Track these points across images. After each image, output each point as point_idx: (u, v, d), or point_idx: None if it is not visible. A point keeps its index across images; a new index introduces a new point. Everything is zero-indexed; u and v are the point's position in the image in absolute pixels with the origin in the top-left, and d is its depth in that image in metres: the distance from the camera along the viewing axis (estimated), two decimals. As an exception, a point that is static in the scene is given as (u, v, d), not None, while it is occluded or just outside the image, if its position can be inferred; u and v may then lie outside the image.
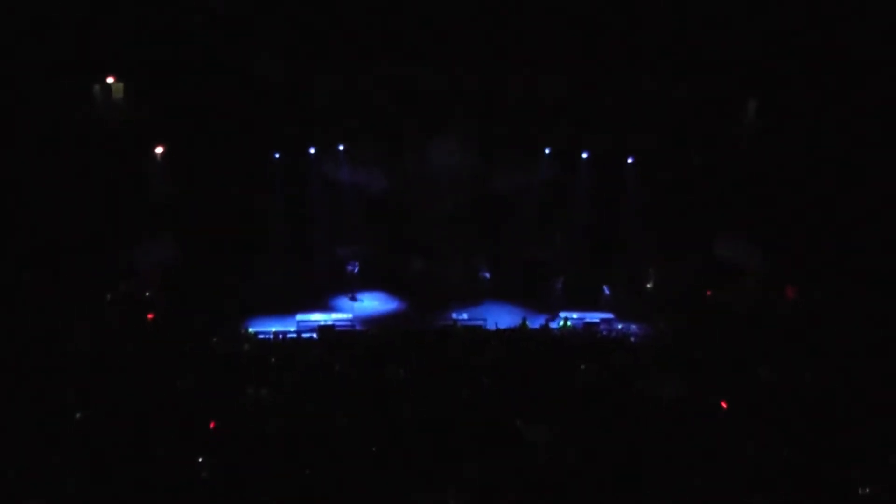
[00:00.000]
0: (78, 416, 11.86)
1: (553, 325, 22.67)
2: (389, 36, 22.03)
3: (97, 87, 20.42)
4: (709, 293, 24.49)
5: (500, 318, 23.07)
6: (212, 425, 11.92)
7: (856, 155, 20.01)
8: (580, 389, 14.10)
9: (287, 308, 23.60)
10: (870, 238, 19.56)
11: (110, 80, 20.57)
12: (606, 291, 25.59)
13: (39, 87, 18.11)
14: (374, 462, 10.46)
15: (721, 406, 13.10)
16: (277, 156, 26.20)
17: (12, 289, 17.12)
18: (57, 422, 11.58)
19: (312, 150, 26.59)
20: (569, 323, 22.95)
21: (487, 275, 27.13)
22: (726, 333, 19.44)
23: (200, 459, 10.39)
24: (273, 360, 16.30)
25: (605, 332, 22.56)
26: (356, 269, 26.22)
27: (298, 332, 21.56)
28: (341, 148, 27.01)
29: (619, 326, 23.25)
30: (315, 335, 21.04)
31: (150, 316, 20.76)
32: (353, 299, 26.03)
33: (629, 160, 26.68)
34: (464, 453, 10.54)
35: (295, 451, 10.79)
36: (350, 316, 23.91)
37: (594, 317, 23.81)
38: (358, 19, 21.74)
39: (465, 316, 23.65)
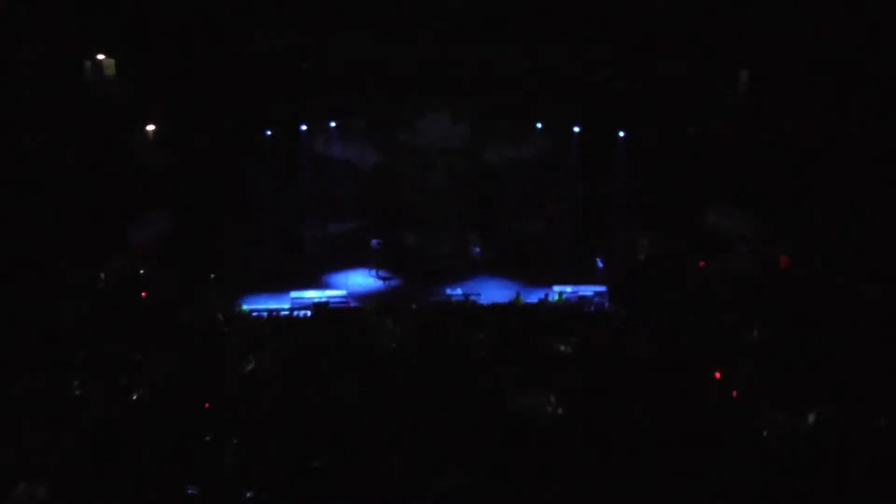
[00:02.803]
0: (77, 392, 11.89)
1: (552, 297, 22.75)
2: (381, 9, 21.87)
3: (88, 65, 20.30)
4: (702, 264, 24.53)
5: (494, 292, 23.16)
6: (206, 406, 11.94)
7: (850, 124, 20.01)
8: (571, 359, 14.14)
9: (281, 285, 23.64)
10: (865, 206, 19.59)
11: (101, 57, 20.45)
12: (600, 264, 25.62)
13: (31, 63, 18.00)
14: (369, 440, 10.46)
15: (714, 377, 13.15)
16: (269, 133, 26.14)
17: (5, 266, 17.08)
18: (53, 400, 11.59)
19: (304, 127, 26.56)
20: (563, 296, 22.99)
21: (478, 249, 27.26)
22: (720, 302, 19.53)
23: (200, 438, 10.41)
24: (267, 333, 16.34)
25: (598, 305, 22.66)
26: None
27: (292, 310, 21.61)
28: (333, 125, 26.98)
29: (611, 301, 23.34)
30: (309, 312, 21.10)
31: (143, 294, 20.76)
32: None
33: (620, 133, 26.67)
34: (459, 431, 10.54)
35: (288, 428, 10.80)
36: (344, 292, 23.94)
37: (587, 290, 23.85)
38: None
39: (458, 291, 23.68)
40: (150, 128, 22.56)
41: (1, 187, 17.91)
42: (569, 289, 23.58)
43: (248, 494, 8.90)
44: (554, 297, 22.81)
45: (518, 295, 22.10)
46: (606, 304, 22.92)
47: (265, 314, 20.64)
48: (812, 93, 20.68)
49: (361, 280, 26.00)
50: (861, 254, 19.30)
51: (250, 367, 13.56)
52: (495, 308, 20.44)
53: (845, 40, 19.42)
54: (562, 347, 14.67)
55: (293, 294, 22.98)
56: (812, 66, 20.43)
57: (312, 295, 23.07)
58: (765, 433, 10.54)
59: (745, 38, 21.81)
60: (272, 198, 26.48)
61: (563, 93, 25.02)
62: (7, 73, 17.82)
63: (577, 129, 26.90)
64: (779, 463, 9.87)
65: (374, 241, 26.30)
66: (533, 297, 22.39)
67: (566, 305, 22.24)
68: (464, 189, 27.84)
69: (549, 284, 23.79)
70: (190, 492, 8.83)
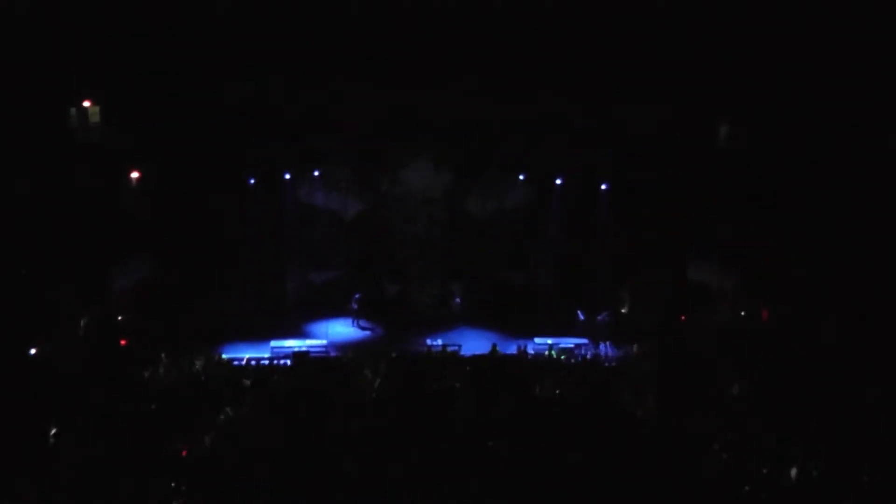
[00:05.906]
0: (52, 440, 11.74)
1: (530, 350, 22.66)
2: (364, 59, 22.04)
3: (73, 111, 20.33)
4: (683, 318, 24.61)
5: (475, 343, 23.09)
6: (183, 453, 11.82)
7: (827, 176, 20.24)
8: (549, 406, 14.14)
9: (261, 334, 23.49)
10: (844, 257, 19.75)
11: (87, 104, 20.49)
12: (581, 316, 25.63)
13: (16, 109, 18.00)
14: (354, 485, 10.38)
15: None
16: (252, 181, 26.13)
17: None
18: (32, 447, 11.44)
19: (287, 176, 26.59)
20: (553, 352, 22.81)
21: (459, 300, 27.30)
22: (701, 354, 19.55)
23: (173, 484, 10.29)
24: (247, 382, 16.23)
25: (579, 358, 22.60)
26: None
27: (272, 359, 21.45)
28: (316, 174, 27.04)
29: (595, 351, 23.31)
30: (289, 361, 20.95)
31: (122, 342, 20.57)
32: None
33: (602, 186, 26.90)
34: (443, 475, 10.50)
35: (271, 475, 10.70)
36: (324, 342, 23.81)
37: (569, 342, 23.84)
38: (333, 43, 21.75)
39: (439, 342, 23.59)
40: (134, 175, 22.52)
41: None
42: (549, 341, 23.55)
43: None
44: (547, 351, 22.71)
45: (494, 346, 22.00)
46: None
47: (244, 363, 20.50)
48: (794, 147, 20.93)
49: (342, 329, 25.88)
50: (842, 307, 19.42)
51: (226, 415, 13.50)
52: (475, 359, 20.38)
53: (827, 94, 19.74)
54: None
55: (273, 343, 22.83)
56: (792, 119, 20.71)
57: (293, 344, 22.92)
58: (746, 487, 10.54)
59: (726, 90, 22.12)
60: (254, 246, 26.40)
61: (547, 144, 25.20)
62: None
63: (559, 181, 27.11)
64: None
65: (355, 296, 26.25)
66: (513, 348, 22.34)
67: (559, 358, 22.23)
68: (446, 239, 27.90)
69: (530, 336, 23.80)
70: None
